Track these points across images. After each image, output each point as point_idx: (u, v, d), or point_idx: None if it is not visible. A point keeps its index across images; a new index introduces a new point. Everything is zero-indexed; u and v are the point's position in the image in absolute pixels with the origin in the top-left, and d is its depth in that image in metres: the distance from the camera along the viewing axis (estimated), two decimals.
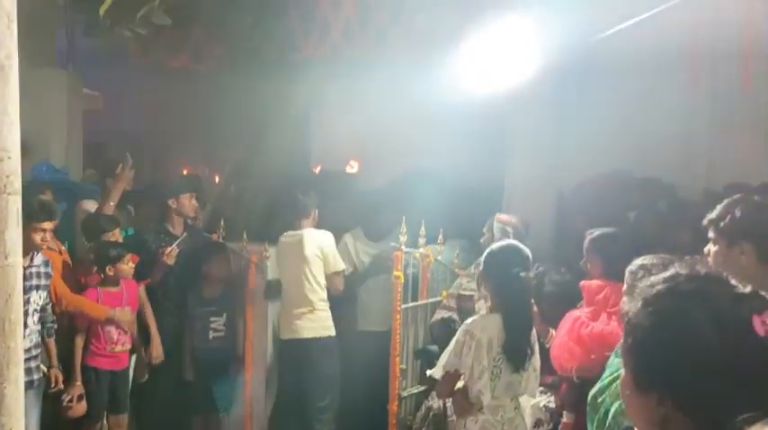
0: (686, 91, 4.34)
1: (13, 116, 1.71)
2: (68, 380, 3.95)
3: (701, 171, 4.55)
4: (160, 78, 5.70)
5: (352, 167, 6.37)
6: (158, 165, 5.72)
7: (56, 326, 3.87)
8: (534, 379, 3.15)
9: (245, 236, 4.66)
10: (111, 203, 4.44)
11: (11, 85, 1.72)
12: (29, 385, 3.65)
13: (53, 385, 3.85)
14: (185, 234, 4.62)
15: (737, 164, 4.26)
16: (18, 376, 1.68)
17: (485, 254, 3.17)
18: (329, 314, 4.35)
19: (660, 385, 1.13)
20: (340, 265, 4.39)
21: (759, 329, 1.08)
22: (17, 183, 1.70)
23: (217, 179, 5.44)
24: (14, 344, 1.66)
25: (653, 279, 1.23)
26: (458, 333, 3.03)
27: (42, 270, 3.66)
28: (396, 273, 3.77)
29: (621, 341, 1.25)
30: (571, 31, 4.01)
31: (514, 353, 2.98)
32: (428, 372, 3.48)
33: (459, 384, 3.02)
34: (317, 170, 6.05)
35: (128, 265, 4.15)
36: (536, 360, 3.13)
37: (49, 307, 3.81)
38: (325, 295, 4.33)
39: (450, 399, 3.20)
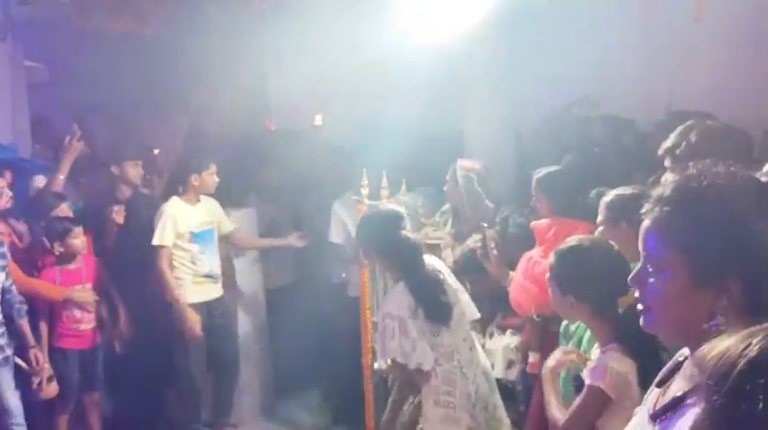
0: (641, 22, 4.29)
1: None
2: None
3: (660, 104, 4.53)
4: (104, 45, 5.50)
5: (317, 121, 6.29)
6: (111, 135, 5.55)
7: (26, 307, 3.80)
8: (466, 300, 3.15)
9: None
10: (61, 176, 4.34)
11: None
12: (3, 362, 3.63)
13: (35, 365, 3.79)
14: (133, 192, 4.65)
15: (698, 95, 4.24)
16: None
17: (358, 232, 3.16)
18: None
19: (730, 270, 1.14)
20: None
21: None
22: None
23: (174, 143, 5.31)
24: None
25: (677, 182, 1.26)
26: (380, 320, 3.00)
27: None
28: None
29: (664, 246, 1.24)
30: None
31: (436, 312, 2.94)
32: (375, 366, 3.47)
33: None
34: (273, 128, 5.94)
35: (79, 239, 4.05)
36: (455, 284, 3.12)
37: (13, 287, 3.73)
38: None
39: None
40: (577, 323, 2.61)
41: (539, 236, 3.34)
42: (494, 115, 4.48)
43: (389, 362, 2.95)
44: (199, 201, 4.51)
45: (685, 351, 1.26)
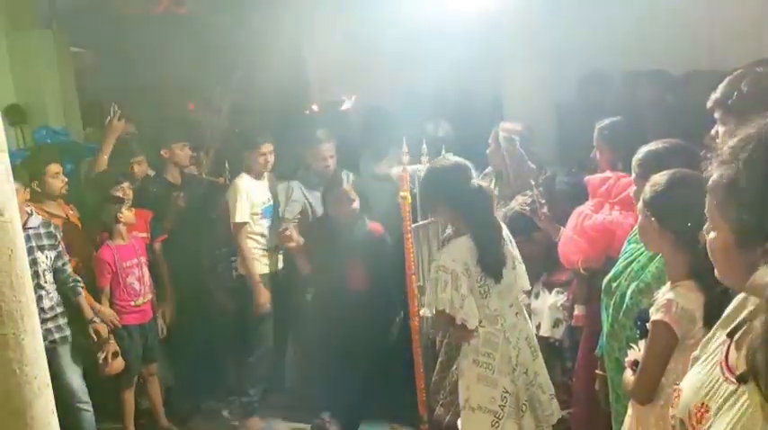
0: None
1: None
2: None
3: (702, 57, 4.42)
4: (145, 28, 5.61)
5: (345, 106, 6.28)
6: (157, 114, 5.68)
7: (81, 284, 3.94)
8: (522, 271, 3.14)
9: None
10: (105, 156, 4.48)
11: None
12: (63, 341, 3.79)
13: (97, 339, 3.95)
14: (203, 175, 4.81)
15: (739, 48, 4.13)
16: (34, 327, 1.73)
17: (426, 185, 3.11)
18: None
19: None
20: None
21: None
22: (2, 141, 1.71)
23: (217, 121, 5.41)
24: (25, 298, 1.70)
25: (731, 142, 1.23)
26: (431, 271, 3.00)
27: (42, 231, 3.73)
28: (402, 193, 3.76)
29: (710, 203, 1.27)
30: None
31: (492, 267, 2.94)
32: (421, 312, 3.49)
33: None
34: (315, 107, 5.97)
35: (129, 213, 4.20)
36: (515, 252, 3.11)
37: (66, 267, 3.88)
38: None
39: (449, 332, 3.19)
40: (619, 280, 2.61)
41: (592, 190, 3.31)
42: (534, 78, 4.43)
43: (434, 311, 2.98)
44: (263, 177, 4.53)
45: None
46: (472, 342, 2.96)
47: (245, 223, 4.35)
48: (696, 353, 1.41)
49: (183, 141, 4.77)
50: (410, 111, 4.80)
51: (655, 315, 2.11)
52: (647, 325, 2.13)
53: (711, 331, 1.40)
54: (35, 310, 1.75)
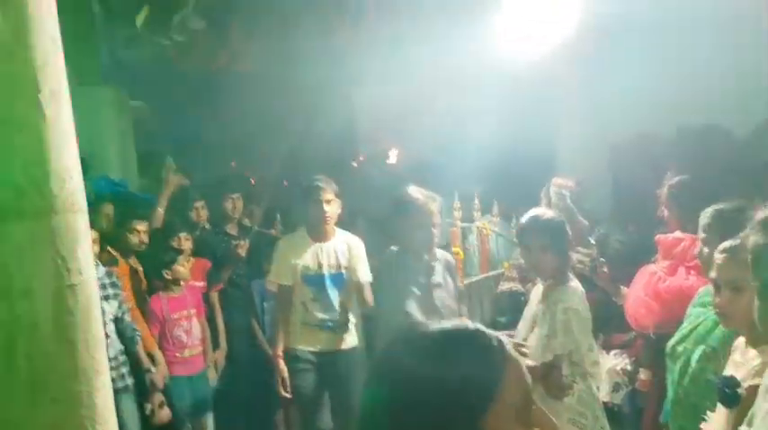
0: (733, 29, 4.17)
1: (70, 138, 1.76)
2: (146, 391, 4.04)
3: (759, 109, 4.37)
4: (203, 81, 5.79)
5: (392, 157, 6.33)
6: (211, 167, 5.81)
7: (139, 333, 3.99)
8: None
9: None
10: (160, 209, 4.56)
11: (64, 108, 1.77)
12: (124, 390, 3.81)
13: (153, 388, 3.97)
14: (254, 228, 4.78)
15: None
16: (106, 384, 1.75)
17: (535, 229, 3.02)
18: None
19: None
20: None
21: None
22: (82, 201, 1.76)
23: (269, 174, 5.51)
24: (99, 355, 1.72)
25: None
26: (559, 313, 2.88)
27: (106, 281, 3.78)
28: (454, 248, 3.76)
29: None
30: None
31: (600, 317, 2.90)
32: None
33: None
34: (362, 158, 6.04)
35: (184, 267, 4.24)
36: None
37: (126, 316, 3.93)
38: None
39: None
40: (684, 344, 2.54)
41: (664, 250, 3.24)
42: (587, 131, 4.44)
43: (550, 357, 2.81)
44: (325, 238, 3.93)
45: None
46: (566, 400, 2.80)
47: (274, 282, 4.02)
48: None
49: (237, 192, 4.85)
50: (459, 166, 4.81)
51: (751, 379, 2.02)
52: (739, 390, 2.04)
53: None
54: (107, 368, 1.77)
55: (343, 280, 3.93)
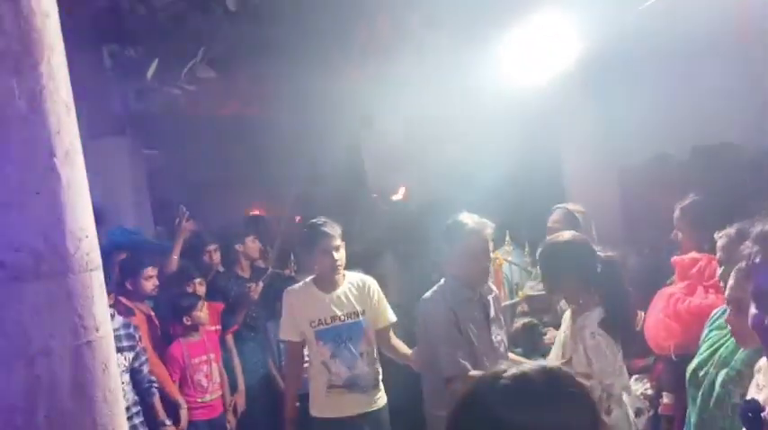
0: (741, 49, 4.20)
1: (85, 197, 1.81)
2: None
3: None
4: (213, 128, 5.90)
5: (398, 195, 6.38)
6: (224, 211, 5.89)
7: (156, 385, 4.01)
8: None
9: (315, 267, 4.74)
10: (174, 257, 4.62)
11: (77, 167, 1.82)
12: None
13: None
14: (270, 270, 4.79)
15: None
16: None
17: (552, 255, 2.99)
18: None
19: None
20: None
21: None
22: (97, 260, 1.80)
23: (282, 216, 5.58)
24: (118, 410, 1.75)
25: None
26: (587, 338, 2.84)
27: (122, 332, 3.80)
28: None
29: None
30: (608, 11, 3.96)
31: (627, 342, 2.86)
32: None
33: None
34: (375, 196, 6.10)
35: (203, 312, 4.28)
36: None
37: (143, 367, 3.95)
38: None
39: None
40: (705, 368, 2.51)
41: (681, 271, 3.21)
42: (594, 158, 4.45)
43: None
44: (335, 285, 3.55)
45: None
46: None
47: (285, 341, 3.72)
48: None
49: (255, 234, 4.90)
50: (470, 196, 4.83)
51: None
52: (763, 414, 2.01)
53: None
54: (125, 422, 1.80)
55: (362, 328, 3.52)
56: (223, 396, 4.40)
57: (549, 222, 3.93)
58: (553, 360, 3.02)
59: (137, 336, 3.91)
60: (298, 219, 6.23)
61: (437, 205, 5.16)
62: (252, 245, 4.87)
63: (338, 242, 3.48)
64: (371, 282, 3.64)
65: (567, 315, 3.04)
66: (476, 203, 4.63)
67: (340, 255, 3.50)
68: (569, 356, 2.91)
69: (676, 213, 3.39)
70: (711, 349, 2.55)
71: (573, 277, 2.94)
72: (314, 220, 3.57)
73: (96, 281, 1.77)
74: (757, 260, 1.26)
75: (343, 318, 3.51)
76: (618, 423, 2.78)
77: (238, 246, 4.82)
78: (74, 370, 1.66)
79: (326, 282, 3.56)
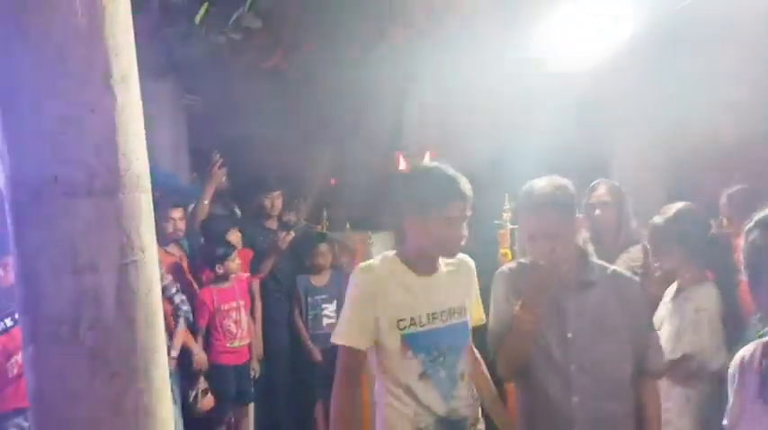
0: None
1: (138, 122, 1.82)
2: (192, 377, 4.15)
3: None
4: (255, 80, 5.88)
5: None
6: (260, 164, 5.90)
7: (190, 317, 4.08)
8: None
9: (347, 226, 4.77)
10: (205, 202, 4.64)
11: (133, 91, 1.84)
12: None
13: (199, 368, 4.10)
14: (302, 221, 4.81)
15: None
16: (162, 361, 1.81)
17: (666, 225, 2.88)
18: None
19: None
20: None
21: None
22: (147, 183, 1.82)
23: (317, 173, 5.59)
24: (158, 332, 1.78)
25: None
26: (689, 312, 2.79)
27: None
28: (503, 250, 3.75)
29: None
30: None
31: (733, 319, 2.77)
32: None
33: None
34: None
35: (235, 263, 4.32)
36: None
37: (176, 297, 4.01)
38: None
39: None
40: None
41: None
42: (643, 140, 4.36)
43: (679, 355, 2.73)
44: (436, 266, 2.31)
45: None
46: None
47: (346, 348, 2.26)
48: None
49: (280, 190, 4.90)
50: (508, 168, 4.78)
51: None
52: None
53: None
54: (164, 346, 1.83)
55: (467, 334, 2.36)
56: (250, 344, 4.46)
57: (592, 198, 3.86)
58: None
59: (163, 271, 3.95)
60: (333, 181, 6.24)
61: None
62: (278, 200, 4.87)
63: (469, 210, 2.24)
64: (469, 261, 2.45)
65: (673, 287, 3.00)
66: (514, 175, 4.61)
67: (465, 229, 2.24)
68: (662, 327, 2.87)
69: (723, 200, 3.34)
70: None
71: (683, 249, 2.87)
72: (436, 166, 2.29)
73: (145, 203, 1.79)
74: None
75: (444, 317, 2.27)
76: (706, 400, 2.72)
77: (265, 200, 4.82)
78: (119, 288, 1.69)
79: (425, 261, 2.29)
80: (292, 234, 4.58)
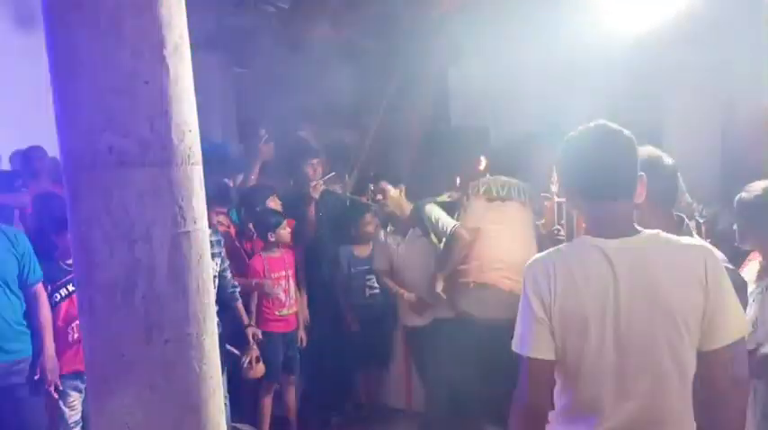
0: None
1: (190, 93, 1.83)
2: (244, 344, 4.21)
3: None
4: (303, 50, 5.88)
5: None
6: (310, 136, 5.92)
7: (239, 289, 4.13)
8: None
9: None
10: (252, 177, 4.69)
11: (185, 62, 1.84)
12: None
13: (251, 342, 4.16)
14: (333, 173, 4.83)
15: None
16: (213, 329, 1.84)
17: (759, 203, 2.74)
18: None
19: None
20: None
21: None
22: (199, 155, 1.83)
23: (364, 144, 5.58)
24: (208, 301, 1.81)
25: None
26: (757, 290, 2.70)
27: (213, 238, 3.92)
28: (544, 220, 3.69)
29: None
30: None
31: None
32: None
33: None
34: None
35: (285, 230, 4.37)
36: None
37: (227, 273, 4.06)
38: None
39: None
40: None
41: None
42: (695, 109, 4.23)
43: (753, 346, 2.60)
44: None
45: None
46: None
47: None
48: None
49: (316, 158, 4.91)
50: (557, 139, 4.69)
51: None
52: None
53: None
54: (214, 313, 1.86)
55: None
56: (297, 312, 4.52)
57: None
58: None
59: (222, 242, 4.02)
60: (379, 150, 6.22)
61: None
62: (319, 167, 4.88)
63: None
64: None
65: (754, 267, 2.88)
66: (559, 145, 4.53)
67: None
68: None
69: None
70: None
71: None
72: None
73: (197, 175, 1.80)
74: None
75: None
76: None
77: (308, 168, 4.83)
78: (171, 257, 1.72)
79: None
80: (322, 183, 4.59)
